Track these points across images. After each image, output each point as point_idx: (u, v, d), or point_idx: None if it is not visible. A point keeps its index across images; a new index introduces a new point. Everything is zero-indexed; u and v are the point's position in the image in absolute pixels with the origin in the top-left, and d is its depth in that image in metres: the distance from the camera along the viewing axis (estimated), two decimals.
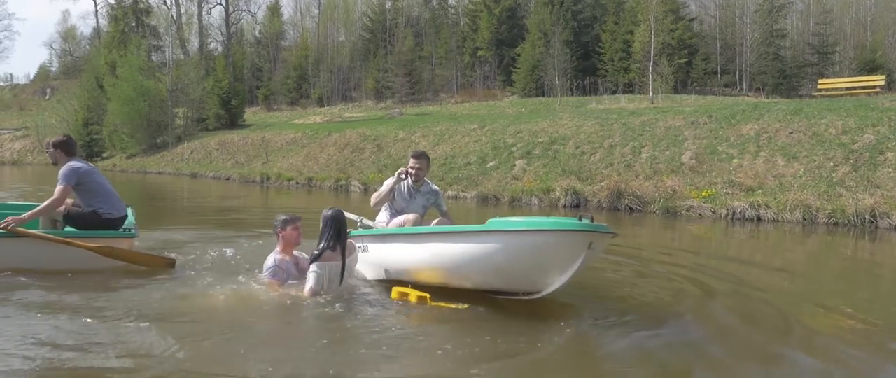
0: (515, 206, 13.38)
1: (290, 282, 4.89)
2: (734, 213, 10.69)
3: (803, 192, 10.43)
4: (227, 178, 24.13)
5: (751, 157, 12.30)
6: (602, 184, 12.81)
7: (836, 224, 9.66)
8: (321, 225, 4.85)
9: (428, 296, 4.54)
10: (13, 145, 49.50)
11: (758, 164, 12.02)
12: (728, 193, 11.32)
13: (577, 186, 13.00)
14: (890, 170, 10.54)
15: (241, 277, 5.23)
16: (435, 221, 5.48)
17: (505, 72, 38.72)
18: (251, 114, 40.74)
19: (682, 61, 32.31)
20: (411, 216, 5.40)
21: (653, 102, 24.16)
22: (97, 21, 58.68)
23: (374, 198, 5.65)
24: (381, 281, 5.22)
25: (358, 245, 5.22)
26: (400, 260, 4.98)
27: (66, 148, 5.81)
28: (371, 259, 5.25)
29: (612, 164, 13.96)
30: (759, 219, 10.39)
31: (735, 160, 12.43)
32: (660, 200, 11.64)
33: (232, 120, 35.40)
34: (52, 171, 5.86)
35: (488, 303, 4.53)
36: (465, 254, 4.44)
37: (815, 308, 5.05)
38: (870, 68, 29.21)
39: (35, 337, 3.79)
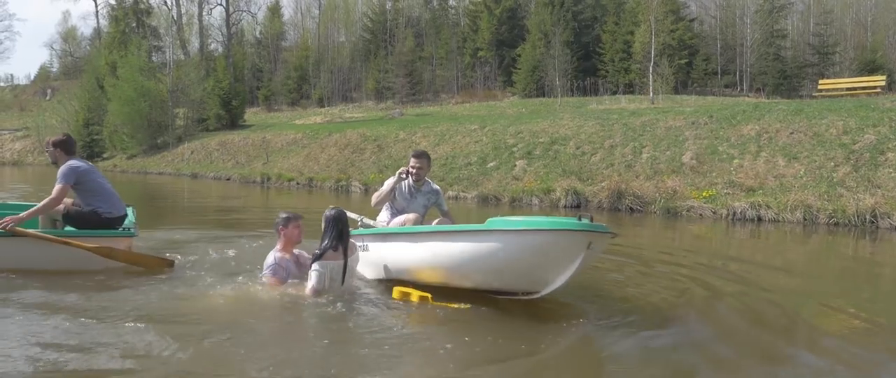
0: (516, 206, 13.38)
1: (290, 280, 4.89)
2: (735, 214, 10.68)
3: (804, 193, 10.42)
4: (228, 179, 24.13)
5: (751, 158, 12.29)
6: (602, 184, 12.81)
7: (836, 224, 9.65)
8: (323, 225, 4.84)
9: (429, 296, 4.53)
10: (14, 146, 49.53)
11: (758, 164, 12.02)
12: (729, 194, 11.31)
13: (577, 187, 12.99)
14: (890, 170, 10.53)
15: (241, 278, 5.23)
16: (436, 221, 5.47)
17: (505, 72, 38.71)
18: (252, 114, 40.75)
19: (683, 62, 32.31)
20: (411, 216, 5.40)
21: (653, 103, 24.15)
22: (98, 22, 58.76)
23: (374, 197, 5.65)
24: (381, 280, 5.23)
25: (358, 244, 5.22)
26: (400, 259, 4.98)
27: (65, 147, 5.81)
28: (371, 258, 5.25)
29: (612, 164, 13.96)
30: (759, 219, 10.38)
31: (736, 160, 12.42)
32: (660, 201, 11.63)
33: (232, 120, 35.41)
34: (53, 172, 5.86)
35: (490, 303, 4.51)
36: (464, 253, 4.44)
37: (820, 308, 5.04)
38: (870, 69, 29.20)
39: (35, 338, 3.78)
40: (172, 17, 48.52)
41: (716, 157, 12.80)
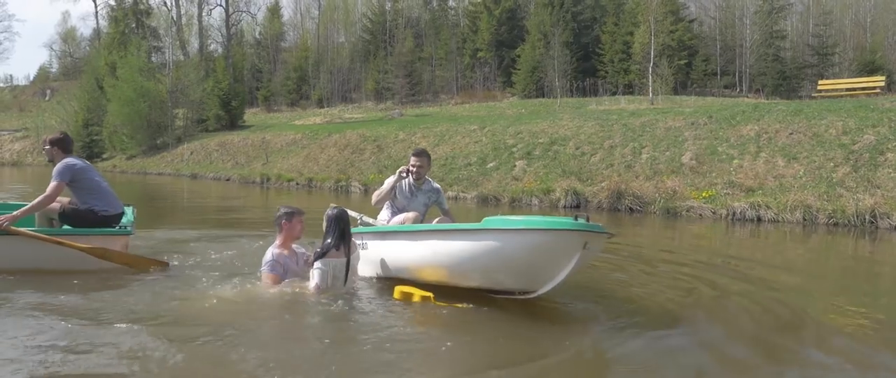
0: (516, 206, 13.38)
1: (288, 279, 4.87)
2: (734, 214, 10.68)
3: (803, 193, 10.43)
4: (227, 179, 24.13)
5: (751, 158, 12.30)
6: (602, 184, 12.82)
7: (836, 224, 9.66)
8: (325, 224, 4.84)
9: (431, 295, 4.50)
10: (13, 146, 49.52)
11: (758, 164, 12.03)
12: (728, 194, 11.32)
13: (577, 187, 13.00)
14: (890, 170, 10.54)
15: (242, 277, 5.21)
16: (436, 220, 5.47)
17: (505, 73, 38.74)
18: (251, 115, 40.77)
19: (682, 62, 32.35)
20: (411, 214, 5.40)
21: (653, 103, 24.17)
22: (97, 22, 58.75)
23: (375, 196, 5.65)
24: (379, 278, 5.23)
25: (358, 242, 5.22)
26: (398, 257, 4.99)
27: (62, 145, 5.81)
28: (370, 256, 5.26)
29: (612, 164, 13.96)
30: (759, 219, 10.39)
31: (735, 161, 12.43)
32: (660, 201, 11.64)
33: (232, 121, 35.43)
34: (52, 172, 5.84)
35: (493, 303, 4.49)
36: (460, 252, 4.44)
37: (825, 306, 5.03)
38: (869, 69, 29.24)
39: (30, 340, 3.72)
40: (172, 17, 48.57)
41: (715, 157, 12.81)
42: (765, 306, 4.91)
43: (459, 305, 4.42)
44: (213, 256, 6.36)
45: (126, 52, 36.79)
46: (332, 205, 5.05)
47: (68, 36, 74.12)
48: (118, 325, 3.96)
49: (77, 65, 64.56)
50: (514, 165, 15.60)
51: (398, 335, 4.00)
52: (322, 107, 42.21)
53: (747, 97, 30.03)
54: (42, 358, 3.45)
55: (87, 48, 64.00)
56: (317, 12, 53.17)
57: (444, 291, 4.58)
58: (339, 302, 4.53)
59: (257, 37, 54.99)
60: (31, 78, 78.04)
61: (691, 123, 14.51)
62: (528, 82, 35.01)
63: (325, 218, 4.87)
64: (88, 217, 5.67)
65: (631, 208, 11.90)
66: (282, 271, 4.86)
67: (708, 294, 5.24)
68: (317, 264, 4.71)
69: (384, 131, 22.27)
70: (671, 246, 8.58)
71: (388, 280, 5.08)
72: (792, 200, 10.24)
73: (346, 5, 50.62)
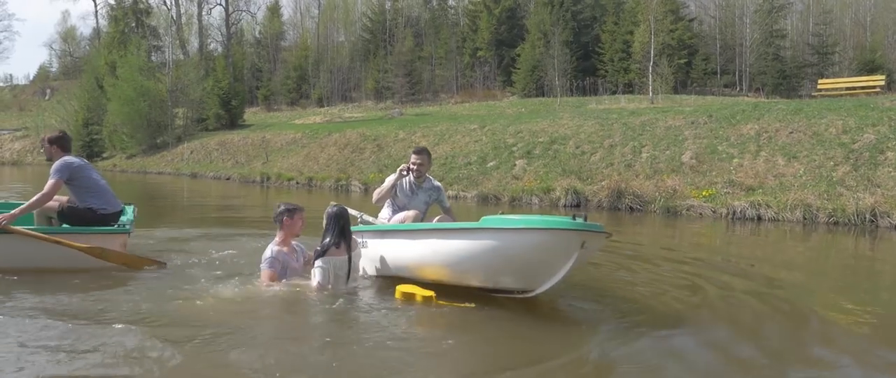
0: (516, 205, 13.38)
1: (286, 278, 4.87)
2: (734, 213, 10.69)
3: (803, 192, 10.43)
4: (227, 179, 24.13)
5: (751, 157, 12.30)
6: (602, 183, 12.82)
7: (836, 223, 9.66)
8: (325, 222, 4.84)
9: (433, 294, 4.48)
10: (13, 146, 49.49)
11: (758, 163, 12.03)
12: (728, 193, 11.32)
13: (577, 186, 13.00)
14: (890, 169, 10.55)
15: (242, 276, 5.21)
16: (437, 218, 5.48)
17: (505, 72, 38.73)
18: (251, 114, 40.75)
19: (682, 61, 32.34)
20: (411, 213, 5.40)
21: (653, 102, 24.17)
22: (97, 21, 58.73)
23: (375, 194, 5.64)
24: (379, 277, 5.24)
25: (358, 240, 5.23)
26: (397, 256, 5.00)
27: (61, 144, 5.82)
28: (370, 255, 5.28)
29: (612, 163, 13.97)
30: (759, 218, 10.39)
31: (735, 160, 12.43)
32: (660, 200, 11.64)
33: (232, 120, 35.41)
34: None
35: (496, 302, 4.48)
36: (458, 251, 4.45)
37: (833, 306, 5.02)
38: (869, 68, 29.23)
39: (28, 340, 3.69)
40: (172, 16, 48.54)
41: (715, 156, 12.81)
42: (770, 305, 4.89)
43: (462, 305, 4.40)
44: (213, 255, 6.37)
45: (126, 51, 36.77)
46: (332, 203, 5.04)
47: (68, 35, 74.09)
48: (119, 326, 3.93)
49: (77, 64, 64.50)
50: (514, 164, 15.60)
51: (400, 335, 3.99)
52: (322, 106, 42.21)
53: (747, 96, 30.03)
54: (43, 358, 3.44)
55: (87, 47, 63.95)
56: (317, 11, 53.16)
57: (446, 291, 4.56)
58: (341, 301, 4.52)
59: (257, 36, 54.98)
60: (31, 77, 78.05)
61: (691, 122, 14.51)
62: (527, 81, 35.00)
63: (324, 216, 4.87)
64: (87, 216, 5.67)
65: (631, 207, 11.91)
66: (280, 268, 4.85)
67: (712, 293, 5.23)
68: (317, 263, 4.71)
69: (384, 130, 22.27)
70: (672, 244, 8.58)
71: (388, 279, 5.08)
72: (792, 199, 10.24)
73: (346, 4, 50.61)
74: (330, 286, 4.70)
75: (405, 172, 5.54)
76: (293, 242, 5.06)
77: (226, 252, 6.53)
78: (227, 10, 47.13)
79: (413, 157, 5.59)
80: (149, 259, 5.78)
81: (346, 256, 4.83)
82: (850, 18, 37.94)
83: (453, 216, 5.61)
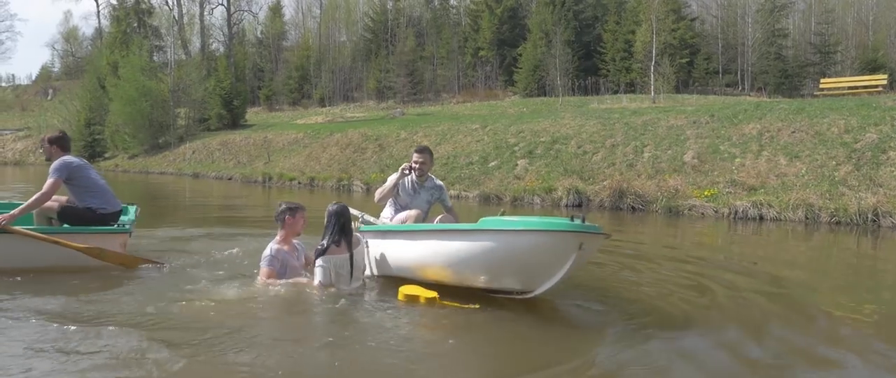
0: (518, 205, 13.38)
1: (287, 274, 4.87)
2: (737, 213, 10.68)
3: (806, 192, 10.42)
4: (230, 179, 24.14)
5: (753, 157, 12.29)
6: (604, 183, 12.81)
7: (838, 223, 9.65)
8: (325, 220, 4.85)
9: (436, 295, 4.47)
10: (15, 146, 49.56)
11: (760, 163, 12.02)
12: (730, 193, 11.31)
13: (579, 186, 12.99)
14: (892, 169, 10.53)
15: (244, 277, 5.21)
16: (439, 217, 5.49)
17: (506, 72, 38.73)
18: (253, 114, 40.78)
19: (684, 61, 32.31)
20: (413, 213, 5.40)
21: (654, 102, 24.14)
22: (99, 22, 58.78)
23: (378, 193, 5.65)
24: (379, 277, 5.25)
25: (360, 239, 5.24)
26: (397, 256, 5.01)
27: (61, 144, 5.83)
28: (370, 255, 5.30)
29: (614, 163, 13.96)
30: (761, 218, 10.38)
31: (737, 159, 12.42)
32: (662, 200, 11.63)
33: (234, 120, 35.43)
34: None
35: (500, 304, 4.46)
36: (457, 252, 4.45)
37: (839, 305, 5.01)
38: (872, 68, 29.16)
39: (27, 343, 3.68)
40: (174, 16, 48.61)
41: (717, 156, 12.80)
42: (777, 304, 4.88)
43: (466, 306, 4.38)
44: (215, 255, 6.37)
45: (128, 51, 36.81)
46: (334, 201, 5.05)
47: (70, 35, 74.19)
48: (119, 327, 3.92)
49: (79, 64, 64.56)
50: (516, 164, 15.59)
51: (403, 336, 3.98)
52: (324, 106, 42.22)
53: (749, 96, 29.98)
54: (46, 359, 3.44)
55: (89, 47, 64.04)
56: (318, 11, 53.22)
57: (449, 291, 4.54)
58: (343, 302, 4.52)
59: (259, 36, 55.01)
60: (34, 77, 78.16)
61: (693, 122, 14.50)
62: (529, 81, 34.99)
63: (326, 214, 4.88)
64: (87, 216, 5.68)
65: (633, 207, 11.90)
66: (280, 266, 4.86)
67: (718, 292, 5.21)
68: (318, 262, 4.71)
69: (386, 130, 22.27)
70: (675, 244, 8.58)
71: (388, 279, 5.08)
72: (794, 199, 10.23)
73: (348, 4, 50.64)
74: (331, 285, 4.70)
75: (407, 171, 5.54)
76: (294, 241, 5.07)
77: (228, 252, 6.53)
78: (228, 10, 47.18)
79: (415, 156, 5.59)
80: (147, 259, 5.79)
81: (347, 254, 4.83)
82: (853, 17, 37.88)
83: (455, 215, 5.61)
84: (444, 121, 22.40)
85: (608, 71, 34.95)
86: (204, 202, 15.55)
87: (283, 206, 5.03)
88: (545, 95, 33.03)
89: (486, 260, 4.30)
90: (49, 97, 63.41)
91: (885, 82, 20.69)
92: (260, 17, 55.52)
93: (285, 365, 3.38)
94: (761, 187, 11.19)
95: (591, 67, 35.63)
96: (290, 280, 4.86)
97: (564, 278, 4.15)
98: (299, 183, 20.26)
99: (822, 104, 14.22)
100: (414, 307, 4.47)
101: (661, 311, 4.63)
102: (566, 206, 12.63)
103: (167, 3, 49.82)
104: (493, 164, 16.16)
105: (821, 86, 22.04)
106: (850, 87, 20.46)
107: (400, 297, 4.57)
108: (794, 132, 12.57)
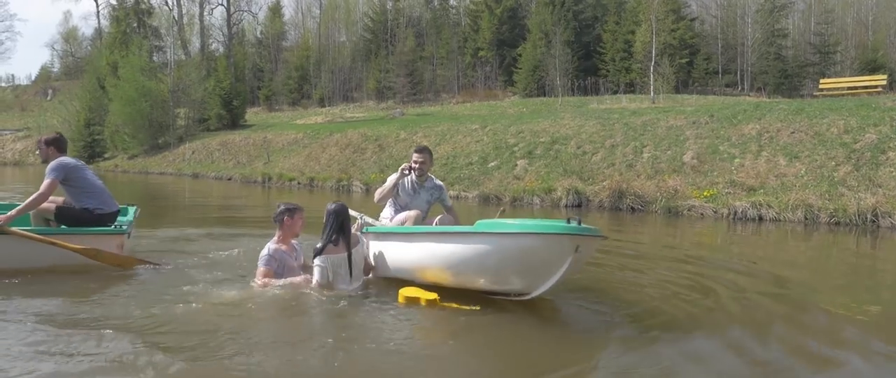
0: (517, 205, 13.38)
1: (284, 274, 4.86)
2: (736, 213, 10.68)
3: (805, 192, 10.42)
4: (229, 179, 24.14)
5: (752, 157, 12.29)
6: (604, 183, 12.81)
7: (837, 223, 9.65)
8: (324, 219, 4.85)
9: (436, 297, 4.45)
10: (15, 146, 49.54)
11: (759, 163, 12.02)
12: (730, 193, 11.31)
13: (578, 186, 13.00)
14: (892, 169, 10.53)
15: (244, 277, 5.21)
16: (438, 218, 5.49)
17: (506, 72, 38.73)
18: (252, 114, 40.78)
19: (684, 61, 32.31)
20: (412, 213, 5.39)
21: (654, 102, 24.15)
22: (99, 22, 58.81)
23: (377, 193, 5.65)
24: (379, 278, 5.24)
25: (360, 238, 5.24)
26: (395, 258, 5.02)
27: (57, 145, 5.84)
28: (369, 256, 5.29)
29: (613, 163, 13.96)
30: (760, 218, 10.38)
31: (737, 160, 12.42)
32: (661, 200, 11.63)
33: (233, 120, 35.43)
34: None
35: (502, 305, 4.45)
36: (454, 254, 4.46)
37: (841, 305, 5.00)
38: (871, 68, 29.16)
39: (25, 345, 3.67)
40: (173, 17, 48.62)
41: (717, 156, 12.80)
42: (781, 304, 4.87)
43: (466, 308, 4.37)
44: (214, 256, 6.37)
45: (127, 51, 36.80)
46: (333, 201, 5.06)
47: (70, 35, 74.19)
48: (118, 329, 3.90)
49: (79, 64, 64.55)
50: (516, 164, 15.59)
51: (403, 338, 3.98)
52: (323, 106, 42.22)
53: (749, 96, 29.98)
54: (46, 360, 3.43)
55: (89, 48, 64.05)
56: (318, 11, 53.21)
57: (450, 293, 4.53)
58: (343, 303, 4.51)
59: (259, 36, 55.01)
60: (33, 78, 78.22)
61: (693, 122, 14.50)
62: (529, 81, 34.99)
63: (325, 213, 4.88)
64: (84, 216, 5.68)
65: (632, 207, 11.90)
66: (277, 266, 4.87)
67: (720, 293, 5.19)
68: (316, 261, 4.72)
69: (385, 130, 22.27)
70: (674, 244, 8.58)
71: (388, 281, 5.08)
72: (793, 199, 10.23)
73: (348, 5, 50.63)
74: (330, 284, 4.69)
75: (407, 171, 5.53)
76: (293, 242, 5.07)
77: (227, 252, 6.54)
78: (228, 10, 47.21)
79: (415, 156, 5.59)
80: (143, 260, 5.79)
81: (345, 254, 4.82)
82: (852, 18, 37.88)
83: (455, 215, 5.61)
84: (443, 121, 22.39)
85: (608, 71, 34.94)
86: (203, 202, 15.54)
87: (282, 207, 5.04)
88: (545, 96, 33.02)
89: (483, 262, 4.31)
90: (48, 97, 63.41)
91: (884, 83, 20.69)
92: (259, 17, 55.64)
93: (284, 367, 3.37)
94: (761, 188, 11.19)
95: (590, 68, 35.63)
96: (288, 280, 4.85)
97: (562, 280, 4.14)
98: (299, 183, 20.26)
99: (821, 104, 14.22)
100: (414, 309, 4.45)
101: (664, 311, 4.61)
102: (566, 206, 12.63)
103: (167, 3, 49.88)
104: (492, 164, 16.16)
105: (820, 86, 22.04)
106: (849, 88, 20.47)
107: (400, 299, 4.56)
108: (793, 133, 12.58)
